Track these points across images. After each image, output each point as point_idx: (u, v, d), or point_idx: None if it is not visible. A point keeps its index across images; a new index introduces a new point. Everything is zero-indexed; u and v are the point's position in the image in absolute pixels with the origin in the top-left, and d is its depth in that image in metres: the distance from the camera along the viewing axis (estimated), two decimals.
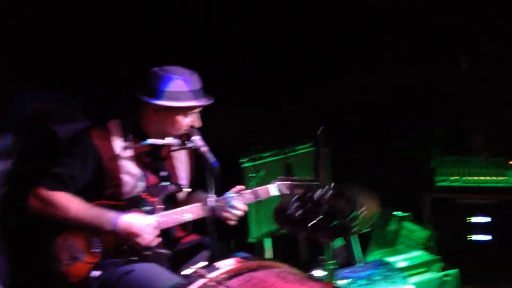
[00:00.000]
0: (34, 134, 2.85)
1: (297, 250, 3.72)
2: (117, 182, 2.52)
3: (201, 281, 1.97)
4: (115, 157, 2.52)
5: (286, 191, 2.79)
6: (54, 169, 2.46)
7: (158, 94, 2.49)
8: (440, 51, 4.05)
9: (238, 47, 3.75)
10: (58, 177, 2.44)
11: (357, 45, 4.02)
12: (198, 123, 2.59)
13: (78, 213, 2.42)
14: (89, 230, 2.44)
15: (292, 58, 3.95)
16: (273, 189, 2.78)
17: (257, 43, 3.80)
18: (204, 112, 2.63)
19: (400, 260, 3.34)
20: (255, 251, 3.54)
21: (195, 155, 2.82)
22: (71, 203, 2.43)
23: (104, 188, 2.52)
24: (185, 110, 2.54)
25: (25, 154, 2.76)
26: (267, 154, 3.58)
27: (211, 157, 2.34)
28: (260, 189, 2.75)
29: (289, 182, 2.81)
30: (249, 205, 3.34)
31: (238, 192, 2.66)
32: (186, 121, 2.56)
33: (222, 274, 2.02)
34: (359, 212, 2.19)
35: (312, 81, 4.07)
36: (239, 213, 2.64)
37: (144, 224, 2.44)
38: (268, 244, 3.62)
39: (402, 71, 4.14)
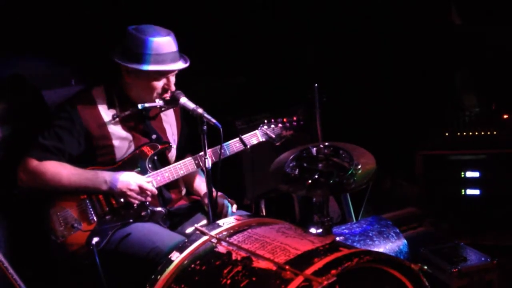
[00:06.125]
0: (19, 98, 2.79)
1: (291, 211, 3.77)
2: (109, 150, 2.52)
3: (204, 238, 2.00)
4: (104, 125, 2.50)
5: (272, 135, 2.81)
6: (41, 141, 2.45)
7: (140, 58, 2.41)
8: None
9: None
10: (45, 148, 2.44)
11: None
12: (172, 86, 2.54)
13: (71, 178, 2.42)
14: (86, 193, 2.44)
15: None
16: (259, 133, 2.80)
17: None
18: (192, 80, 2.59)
19: (393, 216, 3.40)
20: (251, 212, 3.57)
21: (183, 118, 2.81)
22: (62, 169, 2.43)
23: (95, 156, 2.52)
24: (164, 74, 2.49)
25: (11, 119, 2.70)
26: (261, 115, 3.57)
27: (211, 118, 2.33)
28: (247, 136, 2.76)
29: (273, 126, 2.82)
30: (244, 166, 3.38)
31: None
32: (160, 84, 2.51)
33: (223, 231, 2.05)
34: (355, 169, 2.21)
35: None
36: None
37: (140, 181, 2.46)
38: (262, 205, 3.65)
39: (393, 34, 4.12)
